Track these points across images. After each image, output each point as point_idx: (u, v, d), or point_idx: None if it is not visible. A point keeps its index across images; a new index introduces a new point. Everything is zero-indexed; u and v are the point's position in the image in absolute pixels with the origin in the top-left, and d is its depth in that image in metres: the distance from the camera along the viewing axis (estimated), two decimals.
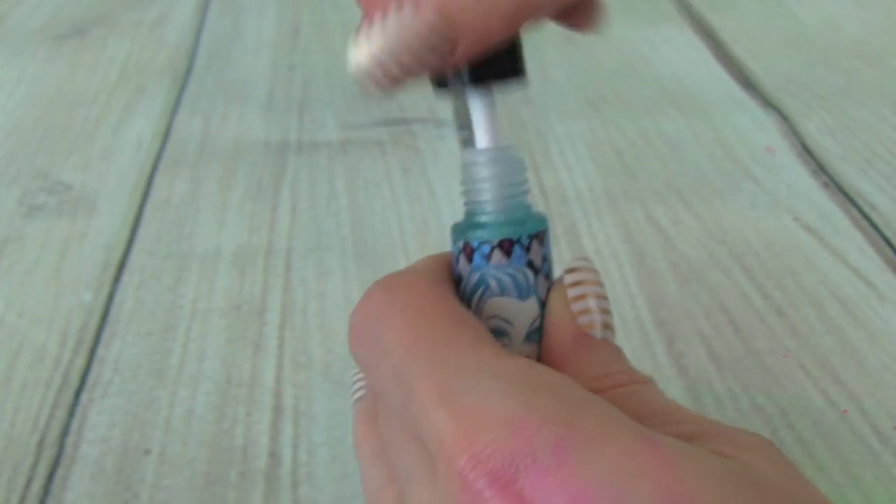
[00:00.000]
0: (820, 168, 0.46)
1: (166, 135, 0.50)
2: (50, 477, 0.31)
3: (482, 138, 0.21)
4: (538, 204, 0.44)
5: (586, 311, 0.21)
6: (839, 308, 0.37)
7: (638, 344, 0.35)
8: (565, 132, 0.50)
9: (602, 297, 0.21)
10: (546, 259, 0.21)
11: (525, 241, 0.20)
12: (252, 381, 0.34)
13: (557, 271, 0.22)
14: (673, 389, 0.33)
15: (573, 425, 0.16)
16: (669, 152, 0.48)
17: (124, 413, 0.33)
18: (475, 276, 0.20)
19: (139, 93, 0.55)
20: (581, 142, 0.49)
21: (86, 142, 0.50)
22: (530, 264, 0.20)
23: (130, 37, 0.62)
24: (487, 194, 0.20)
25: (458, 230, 0.21)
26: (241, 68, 0.58)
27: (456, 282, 0.21)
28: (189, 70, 0.57)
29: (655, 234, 0.41)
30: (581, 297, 0.21)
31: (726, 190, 0.44)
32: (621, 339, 0.31)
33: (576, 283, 0.21)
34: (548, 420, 0.16)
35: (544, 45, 0.59)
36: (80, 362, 0.35)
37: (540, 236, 0.21)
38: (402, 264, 0.40)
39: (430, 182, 0.46)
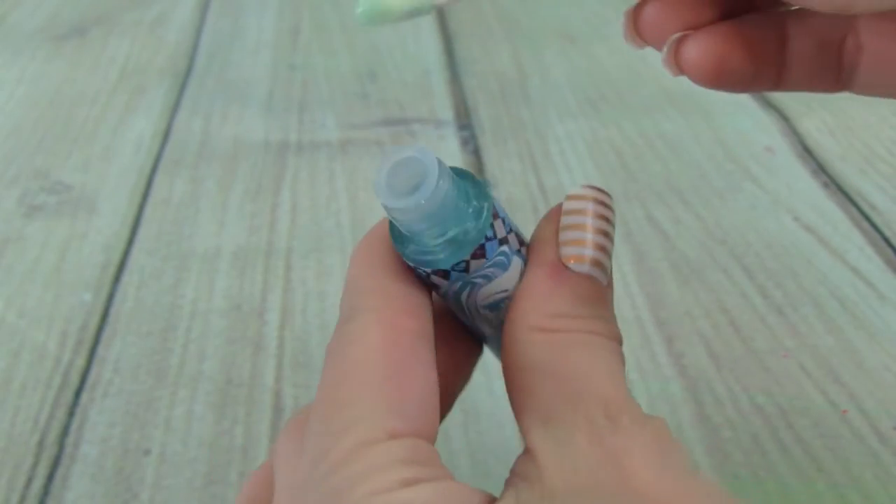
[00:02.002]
0: (820, 168, 0.46)
1: (166, 135, 0.50)
2: (50, 477, 0.31)
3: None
4: (537, 204, 0.44)
5: (577, 241, 0.19)
6: (839, 308, 0.37)
7: (638, 344, 0.35)
8: (565, 132, 0.50)
9: (601, 231, 0.19)
10: (506, 218, 0.19)
11: (489, 232, 0.19)
12: (252, 381, 0.34)
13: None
14: (673, 389, 0.33)
15: None
16: (669, 152, 0.48)
17: (124, 413, 0.33)
18: (456, 285, 0.19)
19: (139, 93, 0.55)
20: (581, 142, 0.49)
21: (86, 142, 0.50)
22: (501, 241, 0.19)
23: (130, 37, 0.62)
24: (439, 229, 0.18)
25: (416, 255, 0.19)
26: (241, 68, 0.58)
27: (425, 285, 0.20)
28: (189, 70, 0.57)
29: (655, 234, 0.41)
30: (575, 226, 0.19)
31: (726, 190, 0.44)
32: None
33: (573, 211, 0.19)
34: None
35: (544, 45, 0.59)
36: (80, 362, 0.35)
37: (494, 212, 0.19)
38: None
39: None
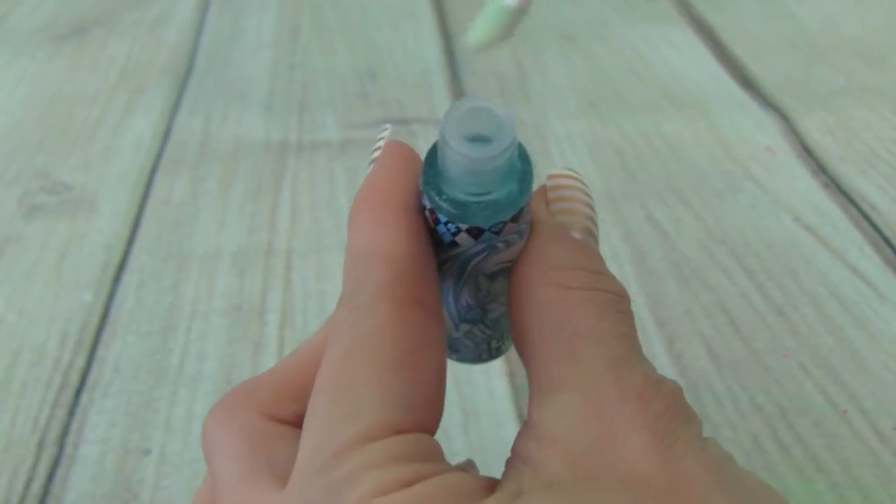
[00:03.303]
0: (820, 168, 0.46)
1: (166, 135, 0.50)
2: (50, 477, 0.31)
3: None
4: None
5: (568, 211, 0.19)
6: (839, 308, 0.37)
7: None
8: (565, 132, 0.50)
9: (587, 204, 0.20)
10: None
11: (528, 199, 0.18)
12: None
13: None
14: None
15: None
16: (669, 152, 0.48)
17: (124, 413, 0.33)
18: (479, 247, 0.18)
19: (139, 93, 0.55)
20: (581, 142, 0.49)
21: (86, 142, 0.50)
22: (527, 209, 0.19)
23: (130, 37, 0.62)
24: (493, 186, 0.18)
25: (453, 209, 0.18)
26: (241, 68, 0.58)
27: (436, 237, 0.19)
28: (189, 70, 0.57)
29: (655, 234, 0.41)
30: (563, 199, 0.20)
31: (726, 190, 0.44)
32: None
33: (558, 187, 0.20)
34: None
35: (544, 45, 0.59)
36: (80, 362, 0.35)
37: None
38: None
39: None
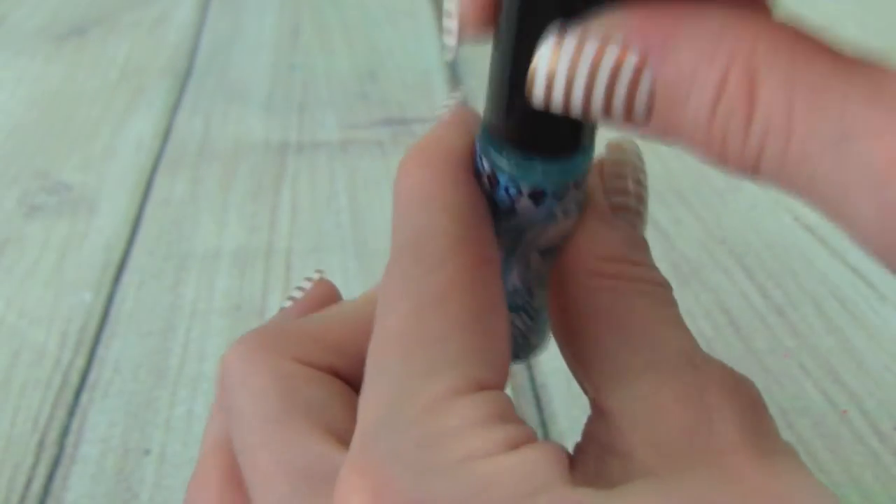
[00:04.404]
0: None
1: (166, 135, 0.50)
2: (50, 477, 0.31)
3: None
4: None
5: (622, 191, 0.19)
6: (839, 308, 0.37)
7: None
8: None
9: (640, 183, 0.19)
10: None
11: (591, 164, 0.17)
12: None
13: None
14: None
15: None
16: (669, 152, 0.48)
17: (124, 413, 0.33)
18: (541, 214, 0.17)
19: (139, 93, 0.55)
20: None
21: (86, 142, 0.50)
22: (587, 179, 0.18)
23: (130, 37, 0.62)
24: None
25: (516, 170, 0.17)
26: (241, 68, 0.58)
27: (491, 206, 0.18)
28: (189, 70, 0.57)
29: (655, 234, 0.41)
30: (619, 175, 0.19)
31: (726, 190, 0.44)
32: None
33: (616, 162, 0.19)
34: None
35: None
36: (80, 362, 0.35)
37: None
38: None
39: None
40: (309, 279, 0.22)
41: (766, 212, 0.43)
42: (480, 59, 0.60)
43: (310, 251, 0.41)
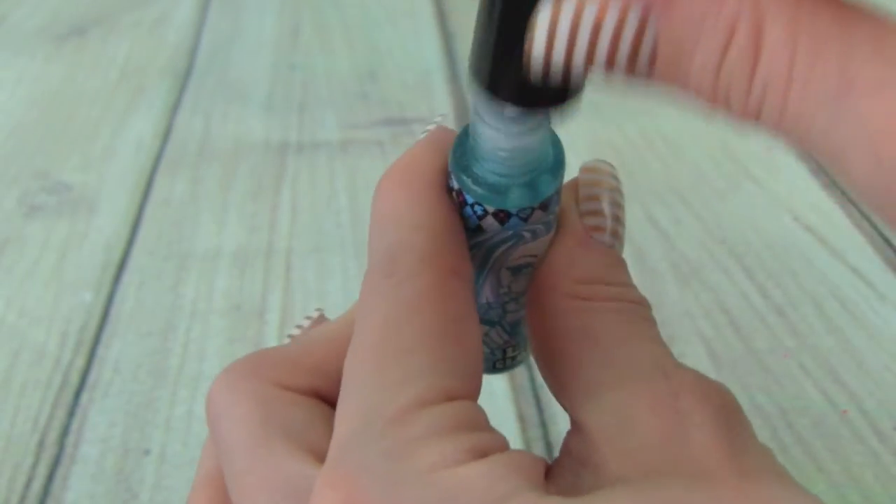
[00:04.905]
0: (820, 168, 0.46)
1: (166, 135, 0.50)
2: (50, 477, 0.31)
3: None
4: None
5: (596, 213, 0.19)
6: (839, 308, 0.37)
7: None
8: (565, 132, 0.49)
9: (616, 204, 0.19)
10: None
11: (559, 188, 0.18)
12: None
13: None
14: None
15: None
16: (669, 152, 0.48)
17: (124, 413, 0.33)
18: (507, 233, 0.18)
19: (139, 93, 0.55)
20: (581, 142, 0.49)
21: (86, 142, 0.50)
22: (557, 200, 0.18)
23: (130, 37, 0.62)
24: (525, 168, 0.17)
25: (481, 190, 0.17)
26: (241, 68, 0.58)
27: (464, 224, 0.18)
28: (189, 70, 0.57)
29: (655, 234, 0.41)
30: (593, 197, 0.19)
31: (726, 190, 0.44)
32: None
33: (590, 183, 0.19)
34: None
35: None
36: (80, 362, 0.35)
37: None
38: None
39: None
40: (308, 317, 0.22)
41: (766, 212, 0.43)
42: None
43: (310, 251, 0.41)
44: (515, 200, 0.17)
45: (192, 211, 0.44)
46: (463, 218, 0.18)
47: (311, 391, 0.19)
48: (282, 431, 0.18)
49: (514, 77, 0.15)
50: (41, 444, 0.32)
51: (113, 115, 0.53)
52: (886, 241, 0.40)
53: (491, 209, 0.17)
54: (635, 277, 0.38)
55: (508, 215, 0.17)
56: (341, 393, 0.16)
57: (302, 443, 0.17)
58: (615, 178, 0.20)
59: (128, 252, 0.41)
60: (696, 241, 0.41)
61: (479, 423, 0.15)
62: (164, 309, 0.38)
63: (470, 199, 0.17)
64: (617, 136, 0.49)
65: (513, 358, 0.22)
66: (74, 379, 0.35)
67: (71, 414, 0.33)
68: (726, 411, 0.16)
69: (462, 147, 0.18)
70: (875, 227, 0.41)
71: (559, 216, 0.19)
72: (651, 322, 0.18)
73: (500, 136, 0.16)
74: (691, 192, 0.44)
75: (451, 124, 0.50)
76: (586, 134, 0.49)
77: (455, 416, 0.15)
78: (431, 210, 0.17)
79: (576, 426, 0.17)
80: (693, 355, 0.35)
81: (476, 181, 0.17)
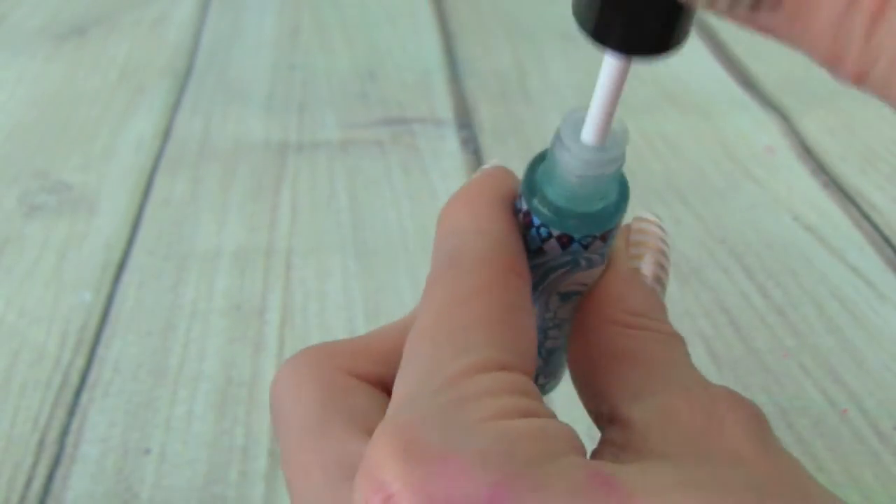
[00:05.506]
0: (820, 168, 0.46)
1: (166, 135, 0.50)
2: (50, 477, 0.31)
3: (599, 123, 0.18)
4: None
5: (643, 257, 0.20)
6: (839, 308, 0.37)
7: None
8: None
9: (662, 253, 0.21)
10: None
11: (620, 223, 0.19)
12: (252, 381, 0.34)
13: None
14: None
15: (513, 472, 0.14)
16: (669, 152, 0.48)
17: (124, 413, 0.33)
18: (566, 258, 0.19)
19: (139, 93, 0.55)
20: None
21: (86, 142, 0.50)
22: (614, 235, 0.19)
23: (130, 37, 0.62)
24: (595, 195, 0.18)
25: (549, 213, 0.18)
26: (241, 68, 0.58)
27: (525, 245, 0.19)
28: (189, 70, 0.57)
29: None
30: (643, 244, 0.21)
31: (726, 190, 0.44)
32: None
33: (639, 231, 0.21)
34: (484, 461, 0.14)
35: (544, 44, 0.59)
36: (80, 362, 0.35)
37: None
38: (402, 263, 0.40)
39: (430, 182, 0.46)
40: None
41: (766, 212, 0.43)
42: (480, 58, 0.60)
43: (310, 251, 0.41)
44: (580, 227, 0.18)
45: (192, 211, 0.44)
46: (527, 239, 0.19)
47: (375, 379, 0.20)
48: (342, 414, 0.19)
49: (621, 23, 0.15)
50: (41, 444, 0.32)
51: (113, 115, 0.53)
52: (886, 240, 0.40)
53: (556, 232, 0.18)
54: None
55: (571, 240, 0.18)
56: (401, 364, 0.17)
57: (361, 425, 0.18)
58: (664, 231, 0.21)
59: (128, 252, 0.41)
60: (696, 241, 0.41)
61: (533, 393, 0.16)
62: (164, 309, 0.38)
63: (537, 221, 0.18)
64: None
65: (542, 385, 0.23)
66: (74, 379, 0.35)
67: (71, 413, 0.33)
68: (758, 420, 0.17)
69: (534, 173, 0.19)
70: (875, 226, 0.41)
71: (610, 253, 0.20)
72: (687, 355, 0.19)
73: (578, 162, 0.17)
74: (691, 192, 0.44)
75: (451, 124, 0.50)
76: None
77: (510, 383, 0.16)
78: (492, 220, 0.19)
79: (617, 421, 0.17)
80: (693, 355, 0.34)
81: (545, 204, 0.18)
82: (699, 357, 0.34)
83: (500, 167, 0.21)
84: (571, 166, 0.18)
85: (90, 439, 0.32)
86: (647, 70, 0.56)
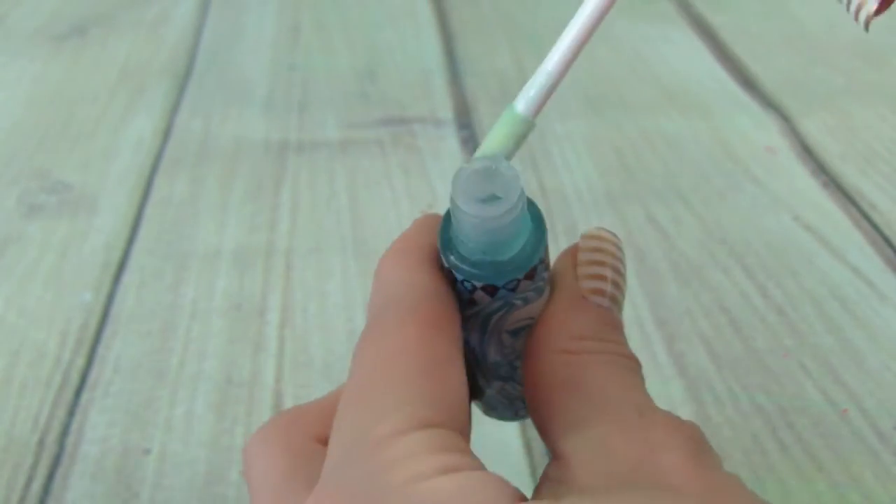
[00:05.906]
0: (820, 168, 0.46)
1: (166, 135, 0.50)
2: (50, 477, 0.31)
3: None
4: (538, 204, 0.44)
5: (597, 276, 0.20)
6: (839, 308, 0.37)
7: (638, 344, 0.35)
8: (565, 132, 0.50)
9: (615, 270, 0.20)
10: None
11: (542, 257, 0.19)
12: (252, 381, 0.34)
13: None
14: (673, 389, 0.33)
15: None
16: (669, 152, 0.48)
17: (124, 413, 0.33)
18: (498, 303, 0.19)
19: (139, 93, 0.55)
20: (581, 142, 0.49)
21: (86, 142, 0.50)
22: (545, 266, 0.19)
23: (130, 37, 0.62)
24: (504, 244, 0.18)
25: (467, 268, 0.18)
26: (241, 68, 0.58)
27: (459, 297, 0.20)
28: (189, 70, 0.57)
29: (655, 234, 0.41)
30: (595, 262, 0.20)
31: (726, 190, 0.44)
32: None
33: (592, 249, 0.21)
34: None
35: (544, 45, 0.59)
36: (81, 362, 0.35)
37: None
38: None
39: (430, 182, 0.46)
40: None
41: (766, 212, 0.43)
42: (480, 58, 0.60)
43: (310, 251, 0.41)
44: (501, 275, 0.18)
45: (192, 211, 0.44)
46: (457, 292, 0.19)
47: None
48: (306, 480, 0.19)
49: None
50: (41, 444, 0.32)
51: (113, 115, 0.53)
52: (886, 240, 0.40)
53: (479, 284, 0.19)
54: (635, 277, 0.38)
55: (496, 289, 0.19)
56: (332, 428, 0.18)
57: None
58: (619, 247, 0.21)
59: (128, 252, 0.41)
60: (696, 241, 0.41)
61: (456, 446, 0.16)
62: (165, 308, 0.38)
63: (459, 276, 0.19)
64: (617, 136, 0.49)
65: (525, 417, 0.23)
66: (74, 378, 0.35)
67: (71, 413, 0.33)
68: (695, 441, 0.17)
69: (447, 230, 0.19)
70: (875, 226, 0.41)
71: (556, 277, 0.20)
72: (637, 375, 0.19)
73: (476, 220, 0.18)
74: (691, 192, 0.44)
75: (451, 125, 0.50)
76: (586, 134, 0.49)
77: (430, 441, 0.16)
78: (419, 273, 0.19)
79: (555, 456, 0.18)
80: (693, 355, 0.35)
81: (462, 260, 0.19)
82: (699, 357, 0.34)
83: (430, 216, 0.21)
84: (471, 224, 0.18)
85: (90, 439, 0.32)
86: (647, 70, 0.56)
